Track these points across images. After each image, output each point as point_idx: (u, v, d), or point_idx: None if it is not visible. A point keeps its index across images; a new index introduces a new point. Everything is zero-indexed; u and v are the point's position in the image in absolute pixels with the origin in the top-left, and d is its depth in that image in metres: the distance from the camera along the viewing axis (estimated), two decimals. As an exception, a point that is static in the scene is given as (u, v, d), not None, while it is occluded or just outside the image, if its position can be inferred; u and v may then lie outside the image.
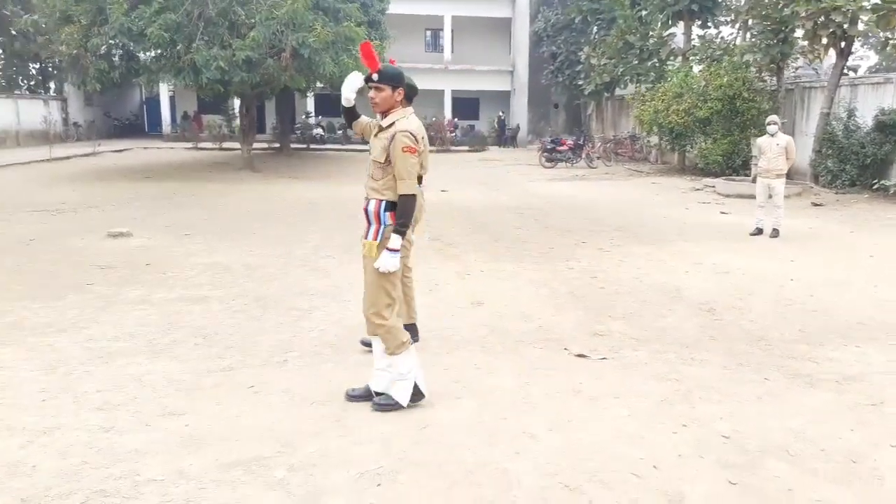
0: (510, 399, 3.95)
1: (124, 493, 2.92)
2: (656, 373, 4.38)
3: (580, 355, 4.68)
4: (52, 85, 35.13)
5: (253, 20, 15.46)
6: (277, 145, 27.16)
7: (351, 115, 4.06)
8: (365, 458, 3.26)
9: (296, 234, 9.43)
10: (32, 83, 34.35)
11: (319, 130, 31.63)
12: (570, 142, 22.45)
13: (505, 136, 33.48)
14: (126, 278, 6.73)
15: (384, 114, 3.75)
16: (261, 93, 19.10)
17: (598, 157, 22.79)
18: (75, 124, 30.51)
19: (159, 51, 15.46)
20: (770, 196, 9.64)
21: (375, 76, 3.67)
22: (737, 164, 17.17)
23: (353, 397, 3.90)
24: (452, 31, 34.01)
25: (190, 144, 28.60)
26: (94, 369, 4.33)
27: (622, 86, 24.73)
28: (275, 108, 30.65)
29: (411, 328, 4.90)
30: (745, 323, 5.52)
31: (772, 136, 9.56)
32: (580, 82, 26.81)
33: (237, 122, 32.24)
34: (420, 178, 3.93)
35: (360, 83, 3.86)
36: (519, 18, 33.51)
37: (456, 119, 33.69)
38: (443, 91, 33.82)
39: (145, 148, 27.56)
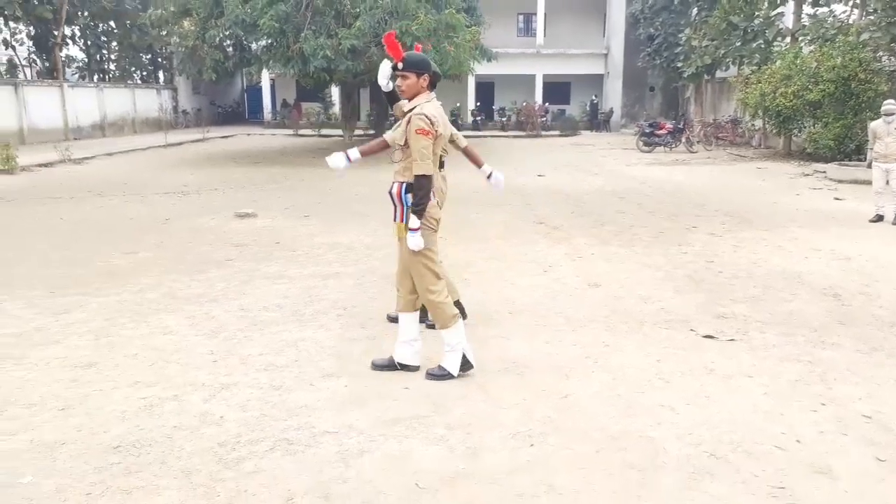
0: (643, 375, 4.10)
1: (305, 442, 3.27)
2: (787, 354, 4.42)
3: (708, 336, 4.76)
4: (160, 75, 37.21)
5: (357, 9, 15.95)
6: (373, 132, 27.80)
7: (392, 97, 4.23)
8: (512, 421, 3.50)
9: (406, 216, 9.80)
10: (144, 73, 36.44)
11: (412, 116, 32.06)
12: (668, 125, 21.99)
13: (597, 121, 33.06)
14: (260, 255, 7.24)
15: (411, 100, 3.89)
16: (360, 80, 19.66)
17: (698, 142, 22.22)
18: (184, 112, 32.30)
19: (270, 41, 16.20)
20: (888, 182, 9.27)
21: (400, 65, 3.81)
22: (849, 149, 16.41)
23: (378, 366, 4.13)
24: (545, 14, 33.74)
25: (290, 131, 29.71)
26: (252, 335, 4.77)
27: (723, 68, 23.97)
28: (369, 96, 31.54)
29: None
30: (875, 309, 5.43)
31: (888, 121, 9.17)
32: (679, 65, 26.11)
33: (335, 109, 33.37)
34: (441, 161, 4.04)
35: (389, 70, 3.98)
36: (615, 0, 32.90)
37: (547, 104, 33.47)
38: (534, 76, 33.69)
39: (248, 134, 28.87)
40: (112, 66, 34.76)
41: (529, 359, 4.35)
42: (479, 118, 33.01)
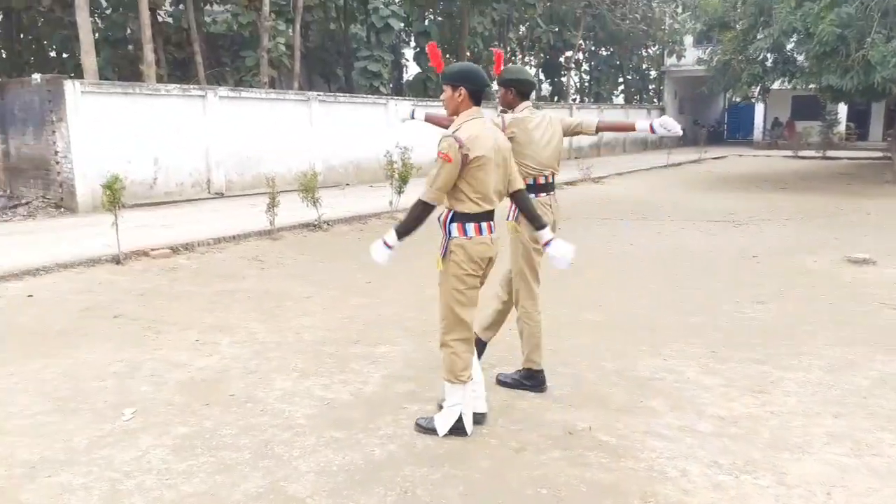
0: None
1: None
2: None
3: None
4: (635, 97, 37.48)
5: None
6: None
7: None
8: None
9: None
10: (628, 93, 37.13)
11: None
12: None
13: None
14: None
15: (451, 115, 3.48)
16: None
17: None
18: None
19: (824, 49, 13.92)
20: None
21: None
22: None
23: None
24: None
25: (784, 153, 26.82)
26: None
27: None
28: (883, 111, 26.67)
29: (534, 375, 4.01)
30: None
31: None
32: None
33: (839, 128, 29.11)
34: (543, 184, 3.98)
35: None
36: None
37: None
38: None
39: (740, 156, 26.81)
40: (598, 88, 36.17)
41: None
42: None
